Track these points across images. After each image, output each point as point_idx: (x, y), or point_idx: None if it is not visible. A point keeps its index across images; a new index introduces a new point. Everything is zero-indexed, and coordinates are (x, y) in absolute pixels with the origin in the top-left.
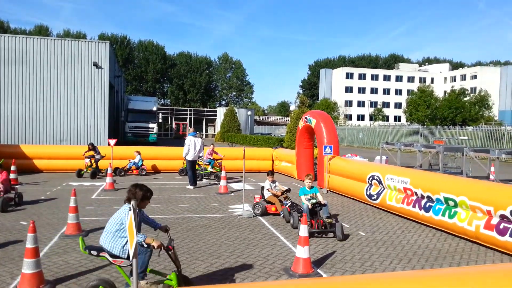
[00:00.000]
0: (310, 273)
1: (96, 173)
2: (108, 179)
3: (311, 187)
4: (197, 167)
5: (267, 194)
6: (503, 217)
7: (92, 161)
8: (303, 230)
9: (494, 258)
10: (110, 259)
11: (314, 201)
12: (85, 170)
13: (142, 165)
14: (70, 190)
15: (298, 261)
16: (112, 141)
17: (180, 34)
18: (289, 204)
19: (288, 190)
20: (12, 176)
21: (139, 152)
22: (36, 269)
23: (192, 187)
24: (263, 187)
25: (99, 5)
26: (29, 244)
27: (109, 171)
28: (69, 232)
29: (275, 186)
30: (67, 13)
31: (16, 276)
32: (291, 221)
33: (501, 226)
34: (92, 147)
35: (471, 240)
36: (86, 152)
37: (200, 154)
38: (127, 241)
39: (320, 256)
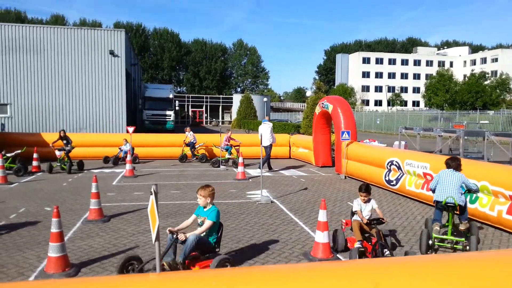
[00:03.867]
0: (330, 258)
1: (70, 168)
2: (128, 166)
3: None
4: (195, 153)
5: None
6: None
7: (63, 154)
8: (322, 215)
9: None
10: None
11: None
12: (58, 164)
13: (133, 153)
14: (91, 176)
15: (317, 246)
16: (131, 129)
17: (194, 21)
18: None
19: (381, 222)
20: (34, 163)
21: (127, 140)
22: (61, 252)
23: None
24: (353, 212)
25: None
26: (54, 229)
27: (128, 158)
28: (92, 217)
29: (371, 209)
30: (82, 2)
31: (43, 260)
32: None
33: None
34: (64, 135)
35: (494, 225)
36: (55, 142)
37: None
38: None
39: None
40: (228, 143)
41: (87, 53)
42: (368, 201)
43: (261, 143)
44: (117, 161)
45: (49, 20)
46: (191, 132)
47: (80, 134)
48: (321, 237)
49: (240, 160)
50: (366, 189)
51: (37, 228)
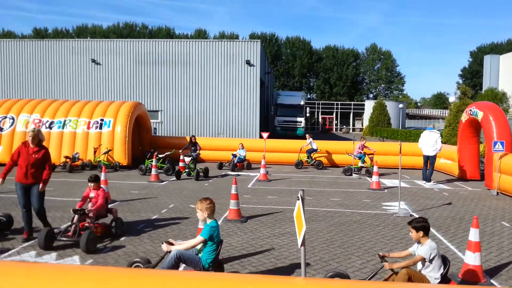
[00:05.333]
0: (482, 283)
1: (198, 176)
2: (262, 170)
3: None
4: (313, 158)
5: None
6: None
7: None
8: (474, 234)
9: None
10: None
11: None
12: (187, 170)
13: (244, 158)
14: (227, 178)
15: (467, 268)
16: (265, 134)
17: (326, 28)
18: None
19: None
20: (180, 164)
21: (243, 145)
22: None
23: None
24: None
25: (249, 6)
26: (201, 225)
27: (262, 162)
28: (231, 217)
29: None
30: (221, 16)
31: None
32: None
33: None
34: (194, 141)
35: None
36: (185, 148)
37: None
38: None
39: (493, 265)
40: (362, 151)
41: (225, 63)
42: (420, 242)
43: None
44: (235, 167)
45: (193, 34)
46: (311, 139)
47: (204, 138)
48: (472, 258)
49: (375, 169)
50: (414, 223)
51: (184, 223)
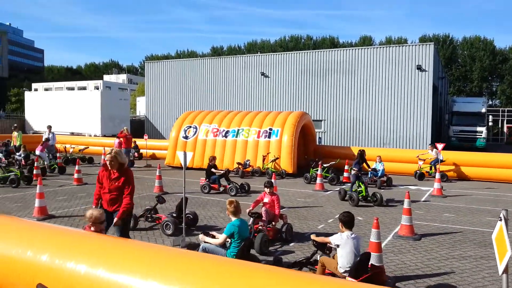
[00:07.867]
0: None
1: (381, 201)
2: (436, 185)
3: None
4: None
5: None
6: None
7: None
8: None
9: None
10: None
11: None
12: (366, 194)
13: (384, 173)
14: (398, 191)
15: None
16: (440, 145)
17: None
18: None
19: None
20: (345, 174)
21: (381, 158)
22: (379, 263)
23: None
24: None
25: (418, 9)
26: (373, 239)
27: (437, 176)
28: (403, 233)
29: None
30: (387, 22)
31: None
32: None
33: None
34: (364, 155)
35: None
36: (356, 164)
37: None
38: None
39: None
40: None
41: (393, 69)
42: None
43: None
44: (380, 184)
45: (358, 42)
46: (436, 150)
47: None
48: None
49: None
50: (339, 216)
51: None
